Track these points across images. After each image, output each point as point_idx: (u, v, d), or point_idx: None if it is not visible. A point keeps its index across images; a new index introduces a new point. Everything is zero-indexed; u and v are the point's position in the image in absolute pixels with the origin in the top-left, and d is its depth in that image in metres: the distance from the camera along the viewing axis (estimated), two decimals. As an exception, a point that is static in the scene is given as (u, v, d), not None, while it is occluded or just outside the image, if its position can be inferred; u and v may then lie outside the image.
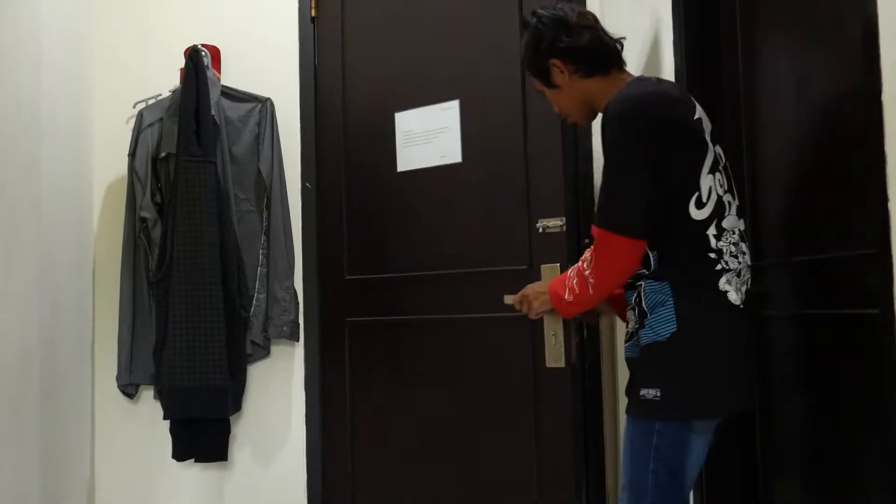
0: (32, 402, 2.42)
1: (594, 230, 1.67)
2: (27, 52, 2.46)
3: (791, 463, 1.87)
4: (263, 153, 2.75)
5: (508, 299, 2.08)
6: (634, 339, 1.71)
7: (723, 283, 1.65)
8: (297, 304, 2.75)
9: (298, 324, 2.75)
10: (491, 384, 2.54)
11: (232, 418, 2.72)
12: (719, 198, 1.67)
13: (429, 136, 2.62)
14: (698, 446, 1.66)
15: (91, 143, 2.91)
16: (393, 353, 2.70)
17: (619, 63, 1.81)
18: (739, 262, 1.69)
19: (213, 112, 2.66)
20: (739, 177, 2.02)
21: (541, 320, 2.12)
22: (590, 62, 1.77)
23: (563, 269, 2.08)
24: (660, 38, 2.28)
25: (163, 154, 2.70)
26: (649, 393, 1.65)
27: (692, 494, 1.87)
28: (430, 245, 2.63)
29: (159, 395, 2.67)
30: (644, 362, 1.69)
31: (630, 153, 1.63)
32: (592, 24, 1.80)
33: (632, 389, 1.70)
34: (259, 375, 2.79)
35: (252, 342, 2.71)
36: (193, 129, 2.62)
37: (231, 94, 2.77)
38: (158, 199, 2.71)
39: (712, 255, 1.65)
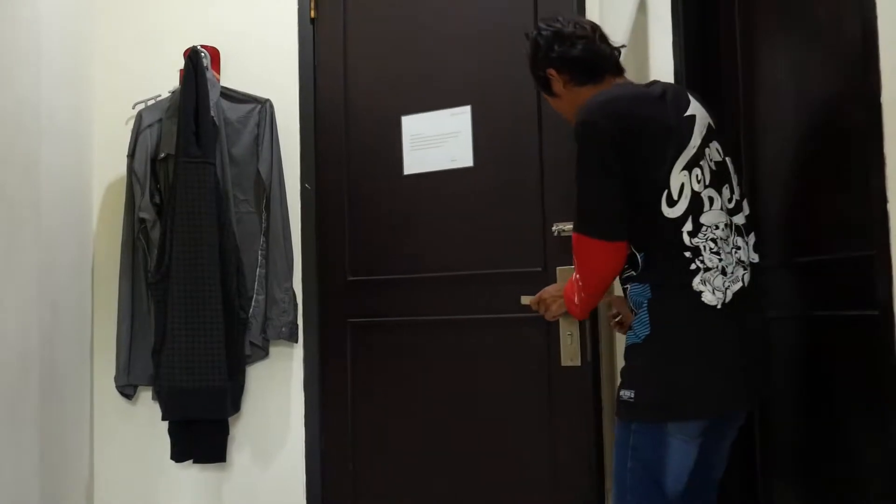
0: (31, 403, 2.42)
1: (572, 234, 1.74)
2: (27, 53, 2.46)
3: (791, 464, 1.87)
4: (263, 154, 2.75)
5: (525, 300, 2.14)
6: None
7: (697, 283, 1.64)
8: (296, 305, 2.75)
9: (297, 325, 2.75)
10: (502, 384, 2.58)
11: (231, 419, 2.72)
12: (695, 194, 1.67)
13: (438, 140, 2.65)
14: (679, 448, 1.65)
15: (90, 144, 2.90)
16: (398, 353, 2.71)
17: (614, 70, 1.86)
18: (721, 259, 1.67)
19: (212, 113, 2.66)
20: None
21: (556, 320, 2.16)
22: (582, 71, 1.85)
23: None
24: (659, 39, 2.28)
25: (162, 155, 2.70)
26: (625, 394, 1.69)
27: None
28: (439, 246, 2.66)
29: (158, 396, 2.67)
30: (626, 363, 1.73)
31: (593, 158, 1.68)
32: (588, 34, 1.85)
33: (618, 390, 1.74)
34: (258, 376, 2.79)
35: (251, 343, 2.71)
36: (193, 130, 2.62)
37: (230, 95, 2.77)
38: (157, 199, 2.71)
39: (687, 255, 1.65)
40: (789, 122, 1.85)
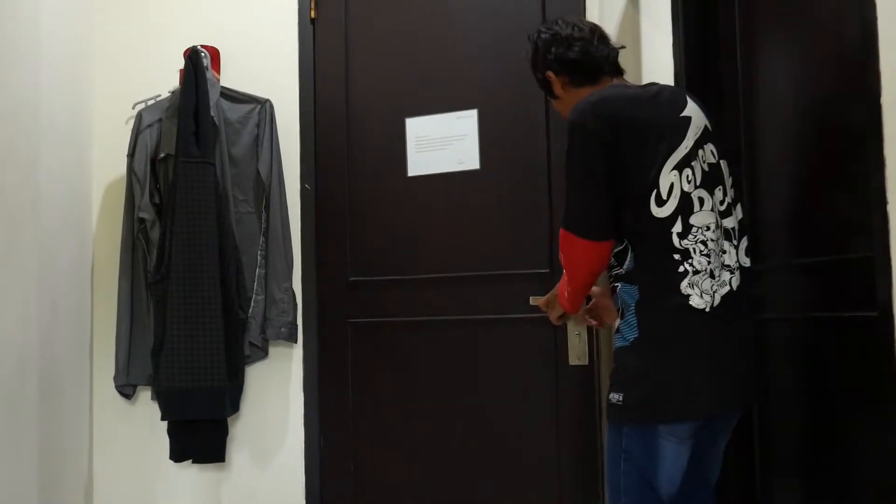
0: (30, 403, 2.41)
1: (560, 230, 1.78)
2: (26, 52, 2.46)
3: (790, 465, 1.87)
4: (262, 154, 2.74)
5: (534, 300, 2.19)
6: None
7: (685, 287, 1.66)
8: (296, 305, 2.75)
9: (297, 325, 2.74)
10: (507, 383, 2.61)
11: (230, 419, 2.72)
12: (686, 194, 1.68)
13: (444, 142, 2.68)
14: (671, 450, 1.66)
15: (90, 144, 2.90)
16: (400, 353, 2.72)
17: (612, 72, 1.89)
18: (711, 262, 1.68)
19: (212, 113, 2.65)
20: (738, 179, 2.03)
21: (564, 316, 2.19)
22: (579, 73, 1.89)
23: None
24: (659, 39, 2.28)
25: (162, 155, 2.70)
26: (614, 397, 1.71)
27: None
28: (445, 247, 2.69)
29: (157, 396, 2.66)
30: (615, 366, 1.75)
31: (582, 159, 1.72)
32: (585, 36, 1.88)
33: (608, 393, 1.75)
34: (257, 377, 2.79)
35: (250, 343, 2.70)
36: (192, 130, 2.61)
37: (230, 96, 2.76)
38: (157, 199, 2.71)
39: (676, 257, 1.66)
40: (789, 123, 1.85)
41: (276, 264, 2.71)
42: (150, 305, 2.70)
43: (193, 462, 2.68)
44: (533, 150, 2.61)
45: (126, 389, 2.76)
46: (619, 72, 1.91)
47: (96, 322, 2.86)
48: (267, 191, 2.73)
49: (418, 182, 2.71)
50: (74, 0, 2.80)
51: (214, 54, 2.79)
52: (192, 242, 2.57)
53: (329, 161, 2.82)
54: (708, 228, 1.69)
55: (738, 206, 1.82)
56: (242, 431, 2.80)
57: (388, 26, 2.80)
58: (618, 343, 1.74)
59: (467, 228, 2.67)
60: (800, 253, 1.80)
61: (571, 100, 1.86)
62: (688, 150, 1.70)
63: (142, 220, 2.70)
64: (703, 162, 1.73)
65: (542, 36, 1.92)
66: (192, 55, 2.68)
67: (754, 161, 2.00)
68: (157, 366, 2.61)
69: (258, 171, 2.74)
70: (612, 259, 1.78)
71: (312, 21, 2.86)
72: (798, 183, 1.81)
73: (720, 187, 1.76)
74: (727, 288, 1.70)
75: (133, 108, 2.79)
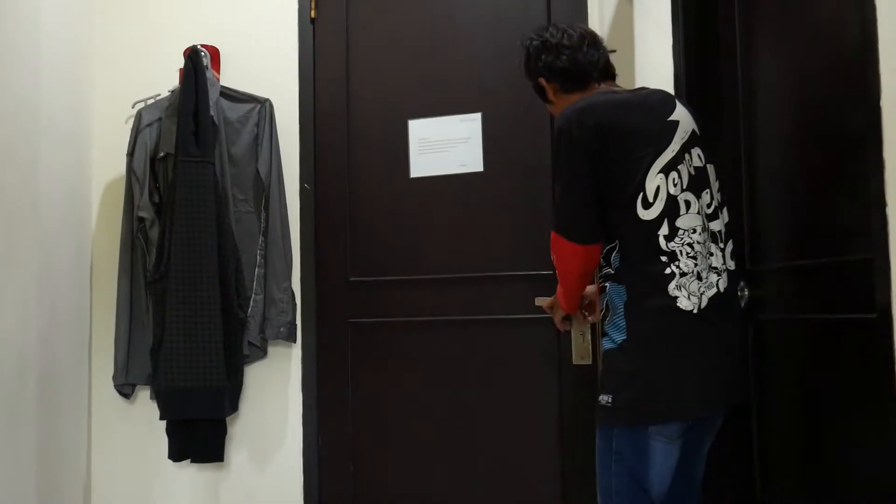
0: (29, 402, 2.41)
1: (551, 233, 1.83)
2: (26, 52, 2.45)
3: (788, 466, 1.87)
4: (262, 154, 2.74)
5: (540, 301, 2.22)
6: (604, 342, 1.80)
7: (672, 288, 1.68)
8: (295, 305, 2.75)
9: (296, 325, 2.74)
10: (510, 383, 2.63)
11: (228, 419, 2.72)
12: (672, 197, 1.71)
13: (447, 145, 2.71)
14: (661, 451, 1.69)
15: (90, 143, 2.90)
16: (400, 354, 2.74)
17: (601, 77, 1.93)
18: (697, 264, 1.70)
19: (211, 112, 2.65)
20: (738, 181, 2.03)
21: (568, 320, 2.22)
22: (567, 80, 1.93)
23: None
24: (659, 41, 2.28)
25: (161, 154, 2.70)
26: (603, 399, 1.73)
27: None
28: (448, 248, 2.71)
29: (156, 396, 2.66)
30: (603, 369, 1.78)
31: (567, 165, 1.76)
32: (574, 44, 1.92)
33: (598, 395, 1.78)
34: (256, 376, 2.79)
35: (249, 343, 2.70)
36: (192, 129, 2.61)
37: (230, 95, 2.76)
38: (156, 199, 2.71)
39: (663, 259, 1.69)
40: (789, 125, 1.85)
41: (275, 264, 2.70)
42: (150, 305, 2.70)
43: (192, 462, 2.68)
44: (536, 153, 2.62)
45: (125, 389, 2.76)
46: (609, 76, 1.96)
47: (95, 321, 2.86)
48: (266, 190, 2.73)
49: (421, 183, 2.73)
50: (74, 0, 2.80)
51: (214, 54, 2.79)
52: (192, 242, 2.57)
53: (329, 161, 2.82)
54: (694, 231, 1.72)
55: (725, 210, 1.85)
56: (241, 431, 2.80)
57: (389, 28, 2.81)
58: (606, 346, 1.77)
59: (470, 229, 2.69)
60: (799, 255, 1.80)
61: (563, 105, 1.89)
62: (674, 153, 1.74)
63: (141, 220, 2.70)
64: (690, 165, 1.76)
65: (534, 43, 1.97)
66: (192, 54, 2.68)
67: (754, 162, 2.00)
68: (155, 365, 2.61)
69: (258, 171, 2.74)
70: (602, 259, 1.81)
71: (312, 21, 2.86)
72: (798, 184, 1.82)
73: (707, 191, 1.79)
74: (714, 290, 1.73)
75: (133, 108, 2.79)
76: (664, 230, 1.70)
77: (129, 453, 2.84)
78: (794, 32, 1.82)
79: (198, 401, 2.56)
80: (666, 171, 1.71)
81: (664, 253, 1.69)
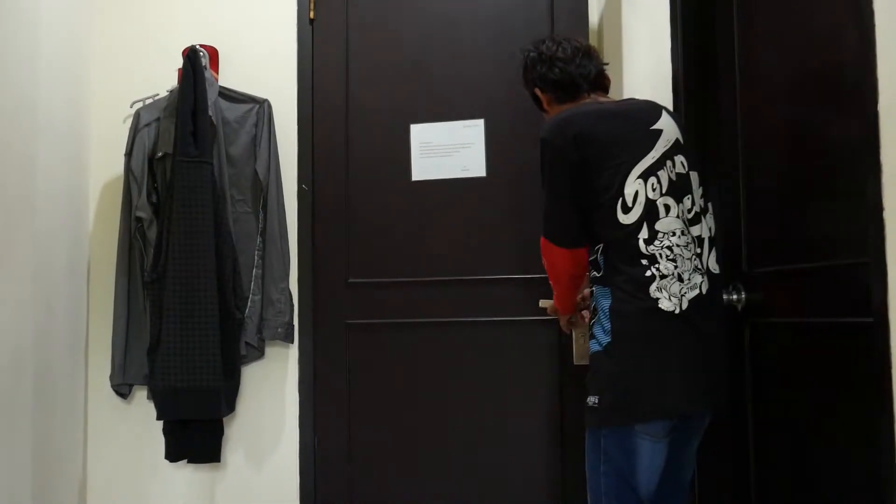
0: (25, 402, 2.41)
1: (541, 238, 1.92)
2: (25, 51, 2.45)
3: (785, 468, 1.87)
4: (260, 154, 2.74)
5: (543, 303, 2.25)
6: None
7: (654, 290, 1.73)
8: (293, 306, 2.75)
9: (293, 325, 2.74)
10: (509, 384, 2.64)
11: (225, 419, 2.72)
12: (651, 201, 1.77)
13: (450, 149, 2.74)
14: (647, 450, 1.73)
15: (88, 143, 2.90)
16: (398, 355, 2.74)
17: (591, 88, 1.99)
18: (678, 266, 1.75)
19: (210, 113, 2.65)
20: (735, 184, 2.04)
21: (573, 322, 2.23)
22: (559, 91, 2.00)
23: None
24: (658, 44, 2.28)
25: (159, 154, 2.69)
26: (590, 400, 1.78)
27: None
28: (447, 250, 2.72)
29: (153, 396, 2.66)
30: (590, 371, 1.82)
31: (551, 174, 1.85)
32: (567, 56, 1.99)
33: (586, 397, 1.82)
34: (253, 377, 2.79)
35: (246, 343, 2.70)
36: (190, 129, 2.61)
37: (228, 95, 2.76)
38: (154, 199, 2.70)
39: (644, 262, 1.74)
40: (786, 128, 1.85)
41: (273, 264, 2.70)
42: (147, 304, 2.70)
43: (189, 462, 2.68)
44: (539, 158, 2.60)
45: (122, 389, 2.76)
46: (600, 87, 2.01)
47: (92, 321, 2.86)
48: (264, 191, 2.73)
49: (422, 186, 2.74)
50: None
51: (213, 54, 2.79)
52: (189, 242, 2.57)
53: (327, 162, 2.82)
54: (674, 234, 1.76)
55: (709, 216, 1.89)
56: (238, 431, 2.79)
57: (390, 31, 2.81)
58: (592, 347, 1.81)
59: (471, 232, 2.70)
60: (796, 258, 1.81)
61: (556, 114, 1.94)
62: (654, 160, 1.79)
63: (139, 219, 2.70)
64: (672, 171, 1.81)
65: (530, 55, 2.04)
66: (191, 55, 2.68)
67: (751, 166, 2.00)
68: (152, 365, 2.60)
69: (256, 171, 2.74)
70: (590, 263, 1.87)
71: (311, 21, 2.86)
72: (795, 188, 1.82)
73: (688, 196, 1.83)
74: (696, 291, 1.77)
75: (131, 107, 2.79)
76: (644, 234, 1.75)
77: (126, 453, 2.84)
78: (793, 37, 1.82)
79: (195, 401, 2.55)
80: (645, 176, 1.77)
81: (644, 256, 1.74)
